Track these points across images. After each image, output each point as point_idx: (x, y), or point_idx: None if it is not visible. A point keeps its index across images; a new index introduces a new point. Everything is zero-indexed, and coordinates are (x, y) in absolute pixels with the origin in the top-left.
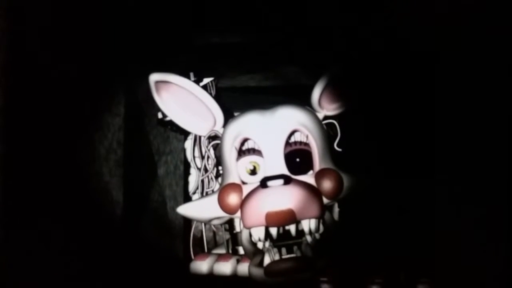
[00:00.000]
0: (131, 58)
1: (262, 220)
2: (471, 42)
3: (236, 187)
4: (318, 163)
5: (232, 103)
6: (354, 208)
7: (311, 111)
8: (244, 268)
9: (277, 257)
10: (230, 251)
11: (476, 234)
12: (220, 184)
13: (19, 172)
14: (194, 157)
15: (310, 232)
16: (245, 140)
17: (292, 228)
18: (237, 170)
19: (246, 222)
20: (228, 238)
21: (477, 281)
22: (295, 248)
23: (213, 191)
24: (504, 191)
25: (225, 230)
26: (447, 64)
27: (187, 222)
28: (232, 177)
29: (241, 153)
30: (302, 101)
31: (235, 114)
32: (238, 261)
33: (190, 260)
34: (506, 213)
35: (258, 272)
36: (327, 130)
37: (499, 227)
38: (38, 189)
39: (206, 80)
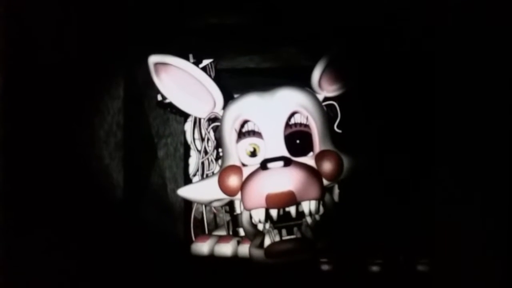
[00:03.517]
0: (130, 40)
1: (263, 202)
2: (473, 25)
3: (236, 169)
4: (318, 144)
5: (232, 85)
6: (354, 189)
7: (311, 92)
8: (244, 249)
9: (277, 239)
10: (231, 233)
11: (476, 216)
12: (220, 166)
13: (18, 156)
14: (194, 139)
15: (310, 214)
16: (245, 122)
17: (292, 209)
18: (237, 152)
19: (247, 204)
20: (229, 219)
21: (477, 262)
22: (295, 229)
23: (213, 173)
24: (506, 172)
25: (226, 212)
26: (448, 46)
27: (188, 204)
28: (232, 159)
29: (241, 135)
30: (302, 82)
31: (235, 96)
32: (238, 243)
33: (191, 241)
34: (507, 195)
35: (258, 253)
36: (327, 112)
37: (499, 209)
38: (38, 173)
39: (205, 62)
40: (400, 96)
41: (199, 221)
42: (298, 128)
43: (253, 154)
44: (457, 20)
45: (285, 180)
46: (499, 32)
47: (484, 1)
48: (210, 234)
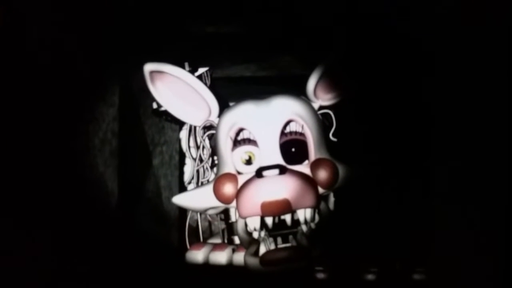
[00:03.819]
0: (125, 48)
1: (258, 210)
2: (469, 32)
3: (232, 177)
4: (313, 153)
5: (227, 93)
6: (350, 197)
7: (307, 101)
8: (239, 257)
9: (272, 247)
10: (226, 241)
11: (472, 224)
12: (216, 174)
13: (12, 163)
14: (189, 147)
15: (306, 222)
16: (240, 130)
17: (287, 217)
18: (232, 160)
19: (242, 212)
20: (224, 227)
21: (474, 271)
22: (290, 237)
23: (208, 181)
24: (503, 180)
25: (221, 220)
26: (445, 55)
27: (183, 212)
28: (228, 167)
29: (236, 143)
30: (298, 91)
31: (230, 104)
32: (233, 251)
33: (186, 249)
34: (503, 203)
35: (253, 261)
36: (322, 120)
37: (495, 217)
38: (32, 180)
39: (201, 70)
40: (396, 104)
41: (194, 229)
42: (293, 137)
43: (249, 162)
44: (457, 22)
45: (280, 188)
46: (498, 32)
47: (484, 1)
48: (205, 242)
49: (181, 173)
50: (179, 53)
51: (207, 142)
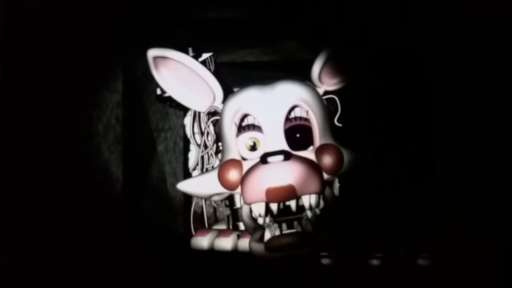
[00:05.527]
0: (129, 33)
1: (263, 196)
2: (474, 25)
3: (236, 163)
4: (318, 138)
5: (231, 79)
6: (354, 183)
7: (311, 86)
8: (244, 243)
9: (277, 233)
10: (231, 227)
11: (476, 209)
12: (220, 160)
13: (16, 151)
14: (193, 133)
15: (311, 208)
16: (245, 116)
17: (292, 203)
18: (237, 146)
19: (247, 198)
20: (229, 214)
21: (477, 256)
22: (295, 223)
23: (213, 167)
24: (505, 166)
25: (226, 206)
26: (449, 40)
27: (188, 198)
28: (232, 153)
29: (241, 129)
30: (302, 76)
31: (235, 89)
32: (238, 237)
33: (191, 235)
34: (507, 188)
35: (258, 247)
36: (327, 105)
37: (499, 203)
38: (36, 167)
39: (205, 56)
40: (401, 90)
41: (199, 215)
42: (298, 122)
43: (253, 148)
44: (457, 20)
45: (285, 174)
46: (499, 32)
47: (484, 1)
48: (210, 228)
49: (186, 159)
50: (182, 38)
51: (211, 128)
